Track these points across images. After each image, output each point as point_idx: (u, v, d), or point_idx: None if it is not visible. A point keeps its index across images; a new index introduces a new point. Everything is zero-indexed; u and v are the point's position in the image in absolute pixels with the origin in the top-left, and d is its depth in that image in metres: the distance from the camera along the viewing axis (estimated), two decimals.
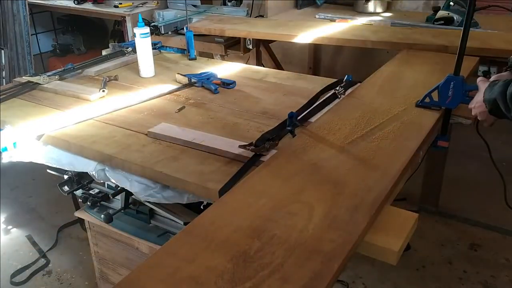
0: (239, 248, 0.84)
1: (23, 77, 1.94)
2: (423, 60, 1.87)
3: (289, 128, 1.35)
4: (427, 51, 1.95)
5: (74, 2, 3.50)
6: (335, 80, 1.74)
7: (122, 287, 0.79)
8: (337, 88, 1.61)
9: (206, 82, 1.82)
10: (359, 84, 1.69)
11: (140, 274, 0.80)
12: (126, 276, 0.80)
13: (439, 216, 2.53)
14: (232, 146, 1.28)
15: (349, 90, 1.64)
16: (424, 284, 2.12)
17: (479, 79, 1.24)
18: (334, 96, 1.59)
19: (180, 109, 1.62)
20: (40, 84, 1.84)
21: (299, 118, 1.40)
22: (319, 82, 1.80)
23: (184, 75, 1.86)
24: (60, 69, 2.03)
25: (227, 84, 1.81)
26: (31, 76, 1.91)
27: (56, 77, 1.91)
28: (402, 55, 1.95)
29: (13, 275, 2.19)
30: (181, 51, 2.38)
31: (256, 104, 1.66)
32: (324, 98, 1.58)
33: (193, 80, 1.83)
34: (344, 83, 1.66)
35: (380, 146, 1.20)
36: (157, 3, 3.32)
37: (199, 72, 1.92)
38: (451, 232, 2.44)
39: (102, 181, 1.48)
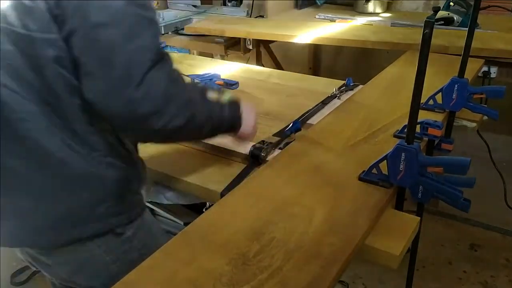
0: (238, 251, 0.83)
1: None
2: (428, 61, 1.86)
3: (288, 132, 1.34)
4: (431, 53, 1.95)
5: None
6: (342, 83, 1.73)
7: None
8: (336, 90, 1.62)
9: (209, 83, 1.81)
10: (360, 86, 1.68)
11: (138, 276, 0.80)
12: (124, 277, 0.80)
13: (439, 216, 2.53)
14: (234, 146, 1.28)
15: (352, 92, 1.63)
16: (424, 284, 2.12)
17: None
18: (335, 97, 1.59)
19: None
20: None
21: (300, 120, 1.40)
22: (322, 83, 1.80)
23: (187, 75, 1.86)
24: None
25: (230, 84, 1.80)
26: None
27: None
28: (406, 56, 1.93)
29: (13, 275, 2.19)
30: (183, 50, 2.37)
31: (258, 105, 1.65)
32: (324, 99, 1.59)
33: (196, 81, 1.83)
34: (345, 87, 1.66)
35: (382, 149, 1.19)
36: (157, 3, 3.31)
37: (202, 73, 1.92)
38: (451, 232, 2.44)
39: None
